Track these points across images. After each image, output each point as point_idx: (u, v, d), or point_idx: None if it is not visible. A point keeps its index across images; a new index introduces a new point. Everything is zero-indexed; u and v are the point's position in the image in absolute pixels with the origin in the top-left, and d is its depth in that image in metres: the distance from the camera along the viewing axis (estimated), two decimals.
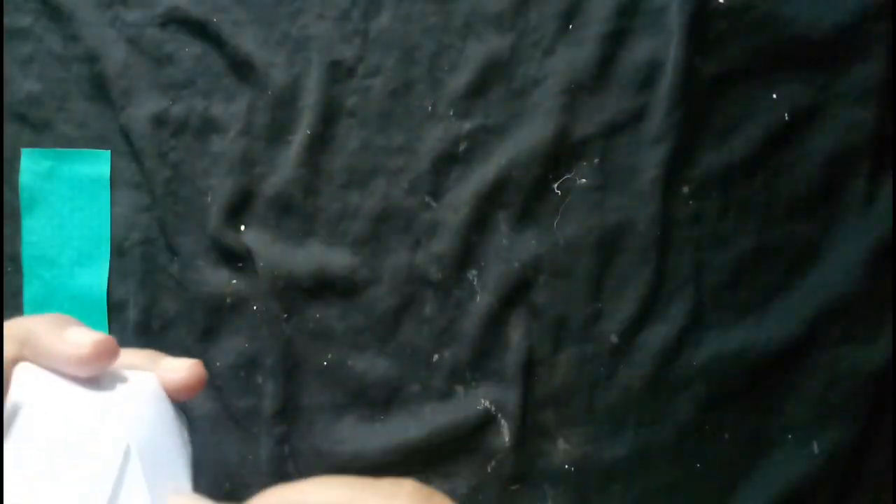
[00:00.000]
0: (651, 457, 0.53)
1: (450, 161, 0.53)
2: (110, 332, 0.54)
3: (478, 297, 0.53)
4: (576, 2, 0.53)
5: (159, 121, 0.53)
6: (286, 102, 0.53)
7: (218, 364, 0.53)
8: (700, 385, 0.53)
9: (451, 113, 0.53)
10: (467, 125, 0.53)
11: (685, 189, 0.53)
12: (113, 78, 0.53)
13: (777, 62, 0.53)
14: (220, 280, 0.53)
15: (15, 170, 0.54)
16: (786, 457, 0.53)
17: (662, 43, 0.52)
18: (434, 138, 0.53)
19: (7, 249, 0.54)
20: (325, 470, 0.53)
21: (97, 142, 0.54)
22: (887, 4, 0.53)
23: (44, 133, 0.54)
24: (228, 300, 0.53)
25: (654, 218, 0.53)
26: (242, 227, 0.53)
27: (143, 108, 0.53)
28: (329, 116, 0.53)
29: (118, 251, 0.54)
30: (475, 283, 0.53)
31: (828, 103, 0.53)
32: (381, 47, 0.53)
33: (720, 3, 0.52)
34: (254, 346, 0.53)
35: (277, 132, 0.53)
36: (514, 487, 0.53)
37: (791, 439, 0.53)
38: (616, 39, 0.53)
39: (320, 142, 0.53)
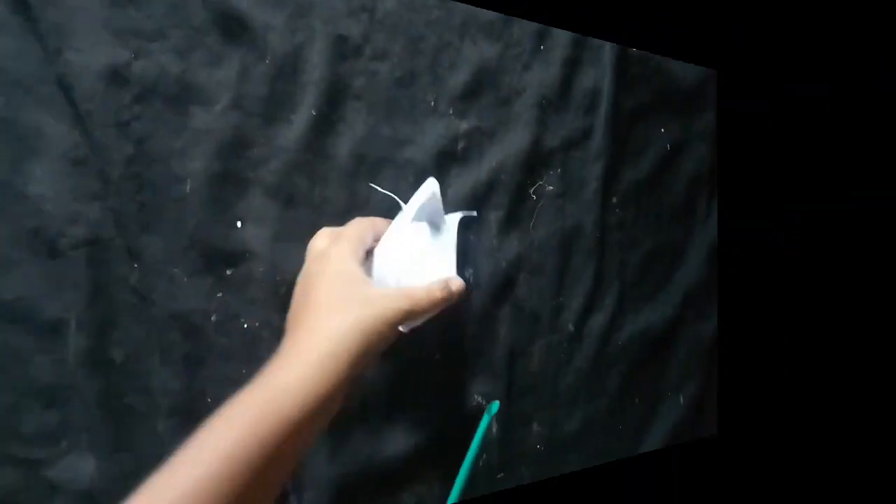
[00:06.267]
0: (593, 427, 0.62)
1: (450, 159, 0.53)
2: (36, 361, 0.37)
3: (473, 295, 0.54)
4: (544, 27, 0.58)
5: (116, 77, 0.39)
6: (287, 74, 0.45)
7: (209, 399, 0.42)
8: (623, 362, 0.64)
9: (451, 111, 0.53)
10: (465, 125, 0.53)
11: (614, 199, 0.64)
12: (41, 5, 0.37)
13: (666, 104, 0.68)
14: (200, 292, 0.42)
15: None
16: (668, 407, 0.68)
17: (601, 75, 0.62)
18: (437, 134, 0.52)
19: None
20: (332, 482, 0.47)
21: (17, 90, 0.36)
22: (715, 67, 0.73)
23: None
24: (213, 318, 0.42)
25: (595, 223, 0.62)
26: (239, 223, 0.43)
27: (91, 57, 0.38)
28: (335, 96, 0.47)
29: (50, 251, 0.37)
30: (471, 281, 0.54)
31: (689, 140, 0.70)
32: (387, 30, 0.49)
33: (633, 50, 0.64)
34: (252, 370, 0.42)
35: (277, 108, 0.45)
36: (499, 476, 0.56)
37: (670, 395, 0.69)
38: (572, 64, 0.60)
39: (327, 124, 0.47)
